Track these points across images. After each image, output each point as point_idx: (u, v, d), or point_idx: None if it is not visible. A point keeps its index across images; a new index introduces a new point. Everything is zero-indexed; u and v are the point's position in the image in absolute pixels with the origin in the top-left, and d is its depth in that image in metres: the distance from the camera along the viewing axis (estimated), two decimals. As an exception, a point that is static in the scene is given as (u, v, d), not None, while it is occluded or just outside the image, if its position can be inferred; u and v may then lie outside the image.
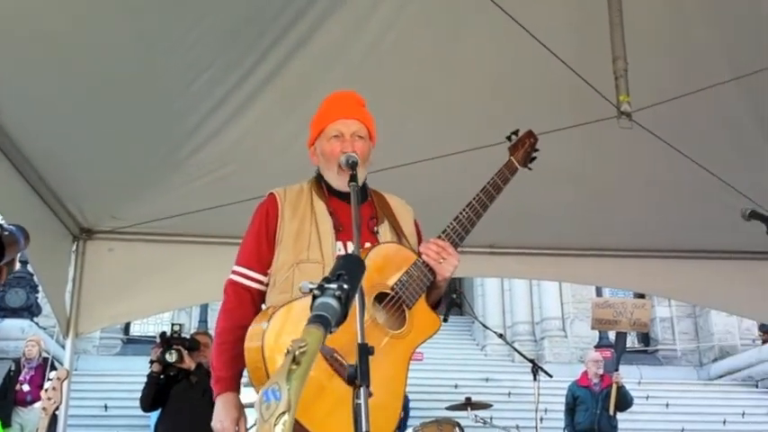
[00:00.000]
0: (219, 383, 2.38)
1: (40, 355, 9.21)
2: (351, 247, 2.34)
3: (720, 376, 17.61)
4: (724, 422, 14.15)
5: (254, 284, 2.45)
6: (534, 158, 2.75)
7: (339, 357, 2.05)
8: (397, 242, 2.43)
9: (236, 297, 2.45)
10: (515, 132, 2.72)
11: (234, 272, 2.49)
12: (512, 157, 2.66)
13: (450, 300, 7.65)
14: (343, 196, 2.39)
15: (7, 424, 8.70)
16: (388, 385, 2.17)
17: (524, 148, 2.71)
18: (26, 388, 8.92)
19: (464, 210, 2.45)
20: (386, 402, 2.14)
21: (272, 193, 2.51)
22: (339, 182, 2.41)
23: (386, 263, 2.30)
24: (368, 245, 2.35)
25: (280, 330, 2.07)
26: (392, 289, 2.26)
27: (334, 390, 2.02)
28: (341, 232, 2.39)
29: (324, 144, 2.47)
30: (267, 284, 2.44)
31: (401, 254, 2.35)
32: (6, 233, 1.38)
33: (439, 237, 2.37)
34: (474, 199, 2.48)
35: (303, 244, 2.38)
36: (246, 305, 2.42)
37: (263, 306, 2.41)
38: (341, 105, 2.53)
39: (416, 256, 2.34)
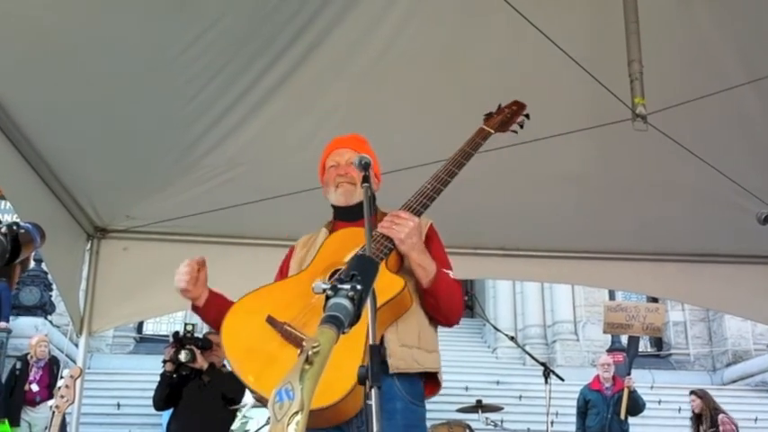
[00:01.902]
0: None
1: (49, 353, 9.28)
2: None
3: (733, 381, 17.50)
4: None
5: None
6: (520, 123, 2.81)
7: (291, 329, 2.25)
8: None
9: None
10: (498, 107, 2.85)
11: None
12: (484, 125, 2.76)
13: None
14: (349, 217, 2.60)
15: (16, 423, 8.76)
16: (346, 344, 2.20)
17: (501, 115, 2.81)
18: (35, 388, 8.97)
19: (430, 181, 2.52)
20: (341, 360, 2.18)
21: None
22: (341, 197, 2.62)
23: (341, 245, 2.45)
24: None
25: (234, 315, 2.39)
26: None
27: (287, 357, 2.19)
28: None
29: (325, 175, 2.70)
30: None
31: (357, 235, 2.40)
32: (22, 231, 1.39)
33: (399, 209, 2.44)
34: (441, 170, 2.56)
35: (302, 266, 2.55)
36: None
37: None
38: (336, 141, 2.76)
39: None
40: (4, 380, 9.31)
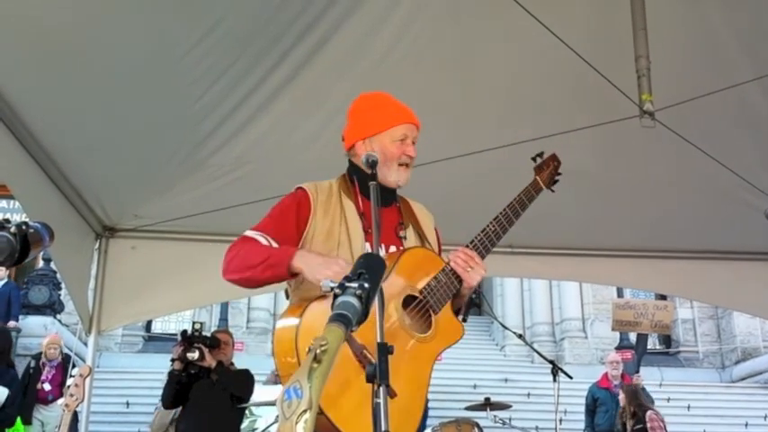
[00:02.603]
0: (282, 252, 2.25)
1: (61, 353, 9.30)
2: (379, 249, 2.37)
3: (742, 378, 17.42)
4: (746, 425, 14.01)
5: (264, 241, 2.36)
6: (557, 181, 2.85)
7: (368, 354, 2.04)
8: (428, 248, 2.47)
9: (241, 240, 2.38)
10: (540, 155, 2.82)
11: (245, 234, 2.42)
12: (537, 177, 2.76)
13: (470, 299, 7.63)
14: (380, 196, 2.38)
15: (28, 421, 8.81)
16: (412, 388, 2.18)
17: (549, 169, 2.82)
18: (47, 387, 9.01)
19: (491, 223, 2.52)
20: (409, 405, 2.16)
21: (303, 189, 2.47)
22: (399, 178, 2.46)
23: (416, 267, 2.33)
24: (393, 248, 2.39)
25: (311, 324, 2.07)
26: (420, 293, 2.29)
27: (362, 386, 1.95)
28: (370, 234, 2.37)
29: (387, 144, 2.46)
30: None
31: (430, 259, 2.39)
32: (31, 231, 1.40)
33: (467, 246, 2.42)
34: (501, 213, 2.55)
35: (333, 243, 2.37)
36: (253, 242, 2.36)
37: (288, 302, 2.37)
38: (406, 110, 2.56)
39: (444, 263, 2.38)
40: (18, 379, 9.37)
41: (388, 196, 2.47)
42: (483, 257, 2.44)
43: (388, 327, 2.14)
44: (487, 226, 2.51)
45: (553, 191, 2.82)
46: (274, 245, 2.34)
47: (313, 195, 2.45)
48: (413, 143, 2.50)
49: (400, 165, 2.45)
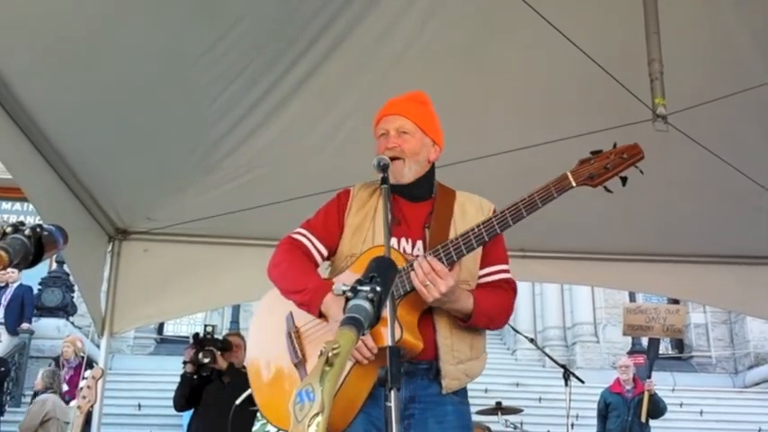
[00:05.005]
0: (316, 290, 2.27)
1: (76, 354, 9.33)
2: (404, 243, 2.39)
3: (756, 384, 17.29)
4: (759, 430, 13.89)
5: (312, 248, 2.47)
6: (623, 178, 2.37)
7: (294, 336, 2.27)
8: (394, 246, 2.36)
9: (291, 245, 2.46)
10: (599, 151, 2.38)
11: (294, 231, 2.51)
12: (569, 171, 2.34)
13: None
14: (406, 194, 2.46)
15: None
16: (358, 378, 2.27)
17: (601, 162, 2.35)
18: (65, 387, 9.05)
19: (478, 225, 2.31)
20: (352, 395, 2.25)
21: (349, 188, 2.56)
22: (389, 175, 2.41)
23: None
24: (420, 243, 2.41)
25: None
26: None
27: (287, 372, 2.26)
28: (397, 226, 2.40)
29: (378, 143, 2.51)
30: (325, 258, 2.49)
31: (399, 261, 2.27)
32: (46, 233, 1.40)
33: (436, 250, 2.29)
34: (494, 216, 2.33)
35: (359, 239, 2.42)
36: (301, 255, 2.45)
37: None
38: (387, 104, 2.56)
39: (406, 264, 2.28)
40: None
41: (411, 194, 2.46)
42: (453, 264, 2.27)
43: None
44: (471, 230, 2.31)
45: (610, 191, 2.36)
46: (320, 248, 2.47)
47: (353, 192, 2.52)
48: (402, 133, 2.46)
49: (390, 159, 2.41)
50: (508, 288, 2.50)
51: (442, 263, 2.24)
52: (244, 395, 4.34)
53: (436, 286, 2.17)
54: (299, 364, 2.28)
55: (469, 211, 2.51)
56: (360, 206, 2.47)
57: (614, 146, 2.38)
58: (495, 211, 2.42)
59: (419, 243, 2.39)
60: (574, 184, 2.31)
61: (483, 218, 2.39)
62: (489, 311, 2.38)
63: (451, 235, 2.39)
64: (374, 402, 2.26)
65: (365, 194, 2.51)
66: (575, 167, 2.35)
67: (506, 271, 2.53)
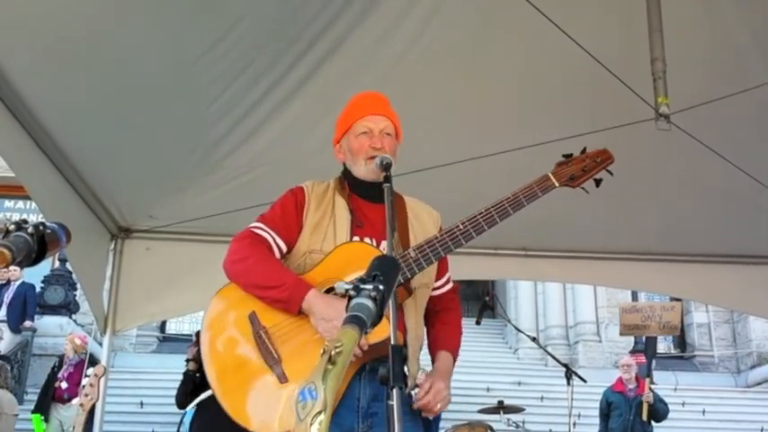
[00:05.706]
0: (296, 287, 2.24)
1: (76, 352, 9.34)
2: (367, 242, 2.38)
3: (758, 383, 17.26)
4: (761, 430, 13.87)
5: (273, 244, 2.40)
6: (597, 180, 2.49)
7: (264, 337, 2.21)
8: (367, 243, 2.37)
9: (255, 240, 2.40)
10: (571, 155, 2.49)
11: (253, 226, 2.45)
12: (550, 173, 2.43)
13: (483, 302, 7.62)
14: (366, 194, 2.44)
15: (46, 420, 8.86)
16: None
17: (577, 165, 2.47)
18: (64, 385, 9.06)
19: (463, 222, 2.32)
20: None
21: (301, 186, 2.52)
22: (368, 173, 2.41)
23: (348, 261, 2.28)
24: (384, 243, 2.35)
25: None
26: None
27: (252, 367, 2.20)
28: (360, 228, 2.39)
29: (351, 140, 2.47)
30: (283, 255, 2.42)
31: (368, 253, 2.20)
32: (49, 231, 1.40)
33: (422, 248, 2.29)
34: (479, 213, 2.33)
35: (319, 236, 2.39)
36: (266, 249, 2.39)
37: None
38: (368, 103, 2.54)
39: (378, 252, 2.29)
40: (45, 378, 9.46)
41: (370, 194, 2.43)
42: (437, 257, 2.30)
43: (302, 316, 2.22)
44: (456, 227, 2.31)
45: (586, 191, 2.49)
46: (281, 244, 2.40)
47: (308, 190, 2.48)
48: (387, 134, 2.44)
49: (370, 158, 2.40)
50: (455, 301, 2.59)
51: (431, 261, 2.29)
52: None
53: (445, 401, 2.31)
54: (275, 364, 2.21)
55: (421, 215, 2.53)
56: (317, 204, 2.45)
57: (583, 151, 2.51)
58: (440, 219, 2.52)
59: (383, 243, 2.33)
60: (557, 185, 2.42)
61: (432, 223, 2.49)
62: (458, 346, 2.53)
63: (411, 237, 2.41)
64: (341, 402, 2.22)
65: (320, 191, 2.49)
66: (554, 169, 2.45)
67: (449, 276, 2.60)
